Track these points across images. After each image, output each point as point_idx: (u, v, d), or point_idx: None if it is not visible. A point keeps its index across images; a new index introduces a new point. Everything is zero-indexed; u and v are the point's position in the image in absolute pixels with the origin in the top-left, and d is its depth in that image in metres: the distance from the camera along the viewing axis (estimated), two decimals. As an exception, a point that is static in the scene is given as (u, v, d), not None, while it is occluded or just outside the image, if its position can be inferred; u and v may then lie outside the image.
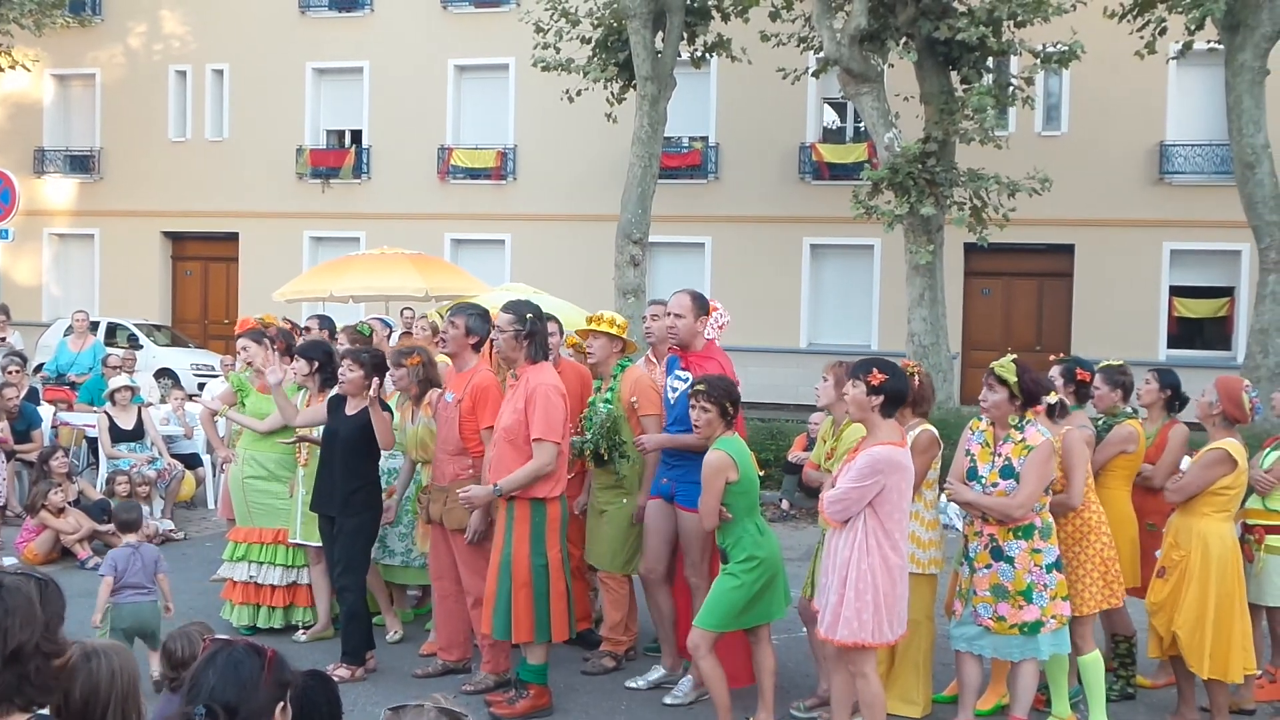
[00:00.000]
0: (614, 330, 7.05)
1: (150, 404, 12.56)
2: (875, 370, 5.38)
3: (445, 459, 6.75)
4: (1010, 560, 5.76)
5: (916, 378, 6.28)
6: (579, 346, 7.60)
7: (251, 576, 7.70)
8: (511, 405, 6.25)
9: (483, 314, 6.81)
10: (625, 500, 6.95)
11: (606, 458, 6.84)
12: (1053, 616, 5.76)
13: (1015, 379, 5.72)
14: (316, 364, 7.52)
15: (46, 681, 2.64)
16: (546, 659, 6.35)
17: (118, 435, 11.22)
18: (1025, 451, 5.73)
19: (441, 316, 8.97)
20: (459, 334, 6.66)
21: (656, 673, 6.82)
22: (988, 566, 5.84)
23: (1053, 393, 6.04)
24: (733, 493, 5.74)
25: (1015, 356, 5.95)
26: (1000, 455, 5.80)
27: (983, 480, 5.84)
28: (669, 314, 6.76)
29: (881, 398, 5.35)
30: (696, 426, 5.95)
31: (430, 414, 7.06)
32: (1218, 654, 6.08)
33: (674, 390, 6.68)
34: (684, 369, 6.66)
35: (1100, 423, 6.69)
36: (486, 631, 6.35)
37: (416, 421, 7.20)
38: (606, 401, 6.99)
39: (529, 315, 6.28)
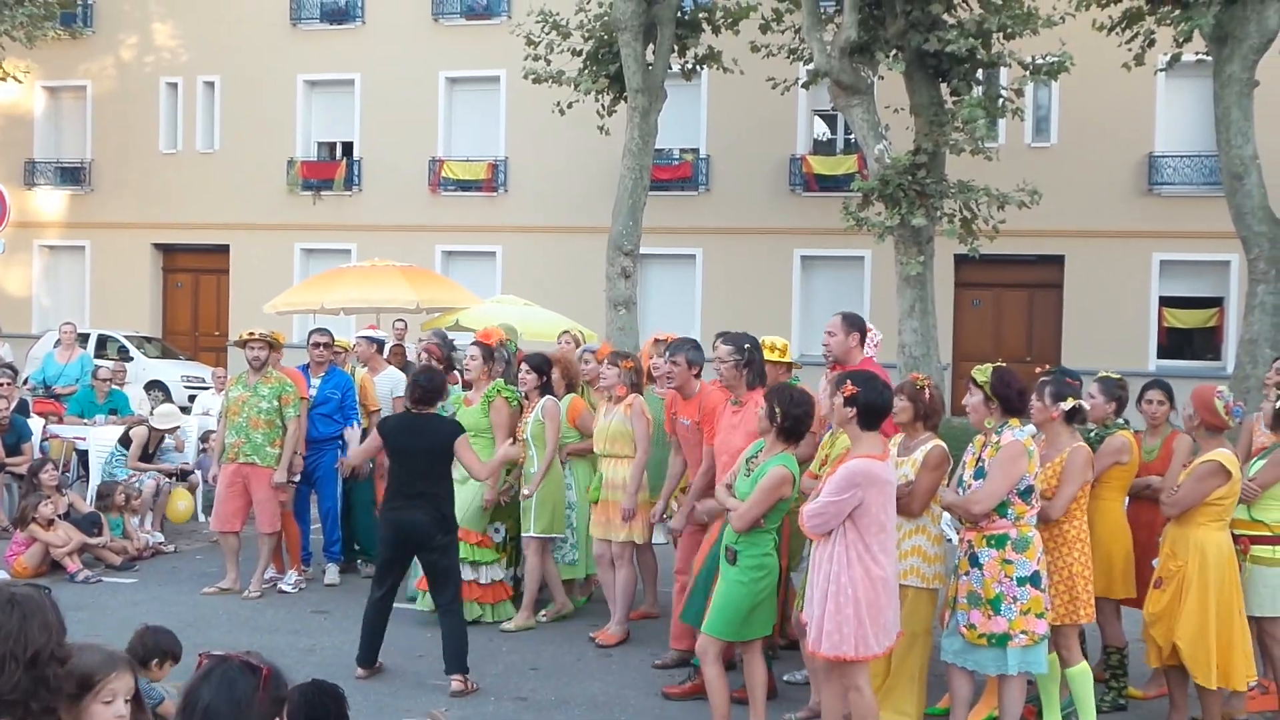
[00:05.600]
0: (774, 355, 7.29)
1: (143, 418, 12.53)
2: (849, 382, 5.47)
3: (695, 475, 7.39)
4: (981, 567, 5.78)
5: (927, 390, 6.30)
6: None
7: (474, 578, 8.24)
8: (744, 429, 6.53)
9: (695, 345, 7.60)
10: None
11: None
12: (1022, 631, 5.70)
13: (986, 381, 5.81)
14: (545, 378, 8.32)
15: (60, 685, 2.66)
16: None
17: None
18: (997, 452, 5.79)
19: (579, 335, 9.79)
20: (683, 369, 7.39)
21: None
22: (966, 573, 5.87)
23: (1070, 398, 6.06)
24: (778, 507, 5.81)
25: (1001, 364, 5.99)
26: (981, 460, 5.85)
27: (965, 484, 5.90)
28: (826, 333, 7.00)
29: (854, 410, 5.41)
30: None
31: (629, 414, 7.85)
32: (1220, 663, 6.07)
33: None
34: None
35: (1093, 434, 6.69)
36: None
37: (611, 416, 7.93)
38: None
39: (746, 346, 6.75)
